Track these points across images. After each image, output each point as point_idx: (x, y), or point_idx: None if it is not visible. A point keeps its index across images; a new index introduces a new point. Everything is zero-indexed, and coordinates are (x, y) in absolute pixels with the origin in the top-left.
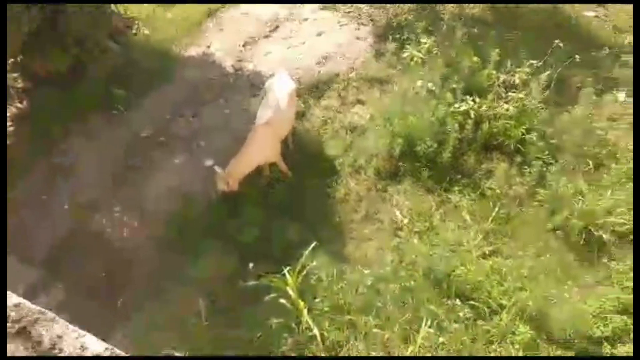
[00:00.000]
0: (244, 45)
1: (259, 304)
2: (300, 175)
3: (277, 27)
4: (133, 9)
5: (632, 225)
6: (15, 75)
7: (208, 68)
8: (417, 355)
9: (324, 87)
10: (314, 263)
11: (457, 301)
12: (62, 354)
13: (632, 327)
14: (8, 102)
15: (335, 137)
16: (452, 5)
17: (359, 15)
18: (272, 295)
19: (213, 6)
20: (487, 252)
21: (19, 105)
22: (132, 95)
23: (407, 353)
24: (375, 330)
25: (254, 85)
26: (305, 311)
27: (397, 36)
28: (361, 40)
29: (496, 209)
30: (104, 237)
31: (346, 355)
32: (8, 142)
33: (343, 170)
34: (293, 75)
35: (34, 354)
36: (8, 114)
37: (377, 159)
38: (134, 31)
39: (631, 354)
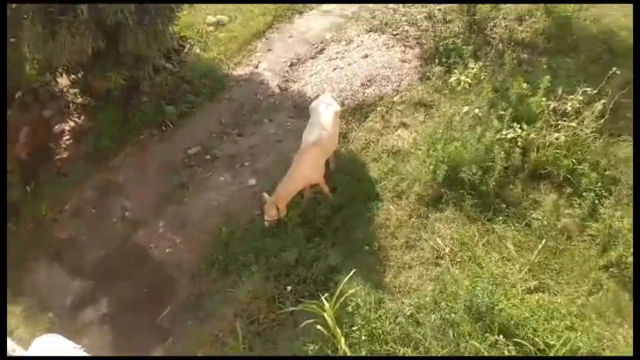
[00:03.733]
0: (290, 66)
1: (296, 329)
2: (341, 197)
3: (323, 48)
4: (186, 29)
5: None
6: (75, 91)
7: (255, 87)
8: None
9: (367, 110)
10: (353, 290)
11: (501, 337)
12: None
13: None
14: (67, 117)
15: (377, 160)
16: (501, 29)
17: (406, 37)
18: (310, 320)
19: (263, 27)
20: (532, 287)
21: (77, 120)
22: (182, 112)
23: None
24: None
25: (298, 105)
26: (342, 339)
27: (444, 60)
28: (407, 62)
29: (543, 242)
30: (149, 252)
31: None
32: (64, 155)
33: (384, 195)
34: (337, 97)
35: None
36: (67, 129)
37: (419, 185)
38: (186, 50)
39: None
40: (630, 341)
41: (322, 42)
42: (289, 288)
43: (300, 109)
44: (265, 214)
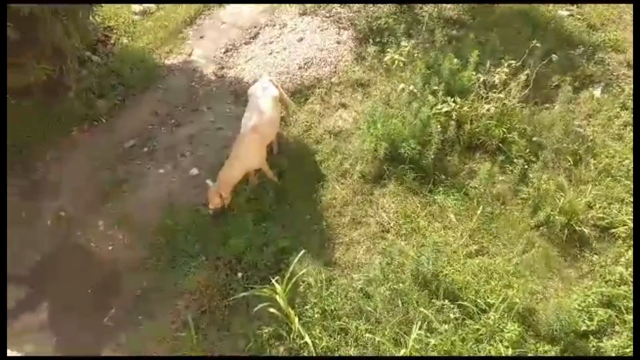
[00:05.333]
0: (225, 52)
1: (249, 314)
2: (287, 181)
3: (257, 33)
4: (111, 19)
5: (611, 219)
6: None
7: (190, 76)
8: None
9: (307, 92)
10: (303, 270)
11: (446, 302)
12: None
13: (616, 320)
14: None
15: (320, 141)
16: (431, 7)
17: (339, 19)
18: (262, 304)
19: (193, 13)
20: (473, 251)
21: None
22: (114, 105)
23: (401, 354)
24: (366, 334)
25: (236, 92)
26: (296, 319)
27: (378, 40)
28: (342, 44)
29: (480, 208)
30: (90, 252)
31: None
32: None
33: (329, 175)
34: (275, 81)
35: None
36: None
37: (362, 163)
38: (112, 41)
39: (617, 347)
40: (561, 293)
41: (255, 27)
42: (240, 275)
43: (239, 95)
44: (210, 203)
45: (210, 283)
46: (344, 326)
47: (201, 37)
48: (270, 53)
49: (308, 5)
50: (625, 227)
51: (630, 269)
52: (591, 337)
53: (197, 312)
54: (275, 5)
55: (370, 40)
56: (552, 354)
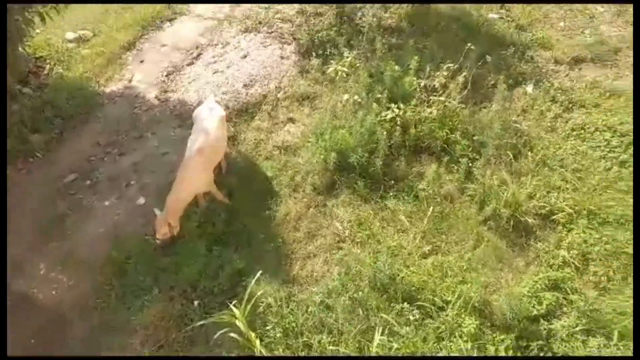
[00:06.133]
0: (167, 75)
1: (209, 343)
2: (238, 201)
3: (200, 54)
4: (43, 48)
5: (551, 207)
6: None
7: (132, 102)
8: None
9: (253, 109)
10: (261, 291)
11: (405, 304)
12: None
13: (563, 301)
14: None
15: (269, 157)
16: (370, 17)
17: (282, 34)
18: (222, 330)
19: (132, 37)
20: (427, 252)
21: None
22: (51, 139)
23: None
24: (329, 347)
25: (181, 115)
26: (257, 341)
27: (321, 52)
28: (286, 59)
29: (430, 209)
30: (32, 298)
31: None
32: None
33: (281, 191)
34: (221, 101)
35: None
36: None
37: (313, 175)
38: (46, 71)
39: (566, 327)
40: (512, 282)
41: (197, 48)
42: (196, 303)
43: (184, 118)
44: (157, 233)
45: (165, 315)
46: (307, 342)
47: (141, 62)
48: (214, 73)
49: (249, 23)
50: (564, 212)
51: (572, 252)
52: (542, 321)
53: (154, 347)
54: (216, 24)
55: (313, 53)
56: (508, 342)
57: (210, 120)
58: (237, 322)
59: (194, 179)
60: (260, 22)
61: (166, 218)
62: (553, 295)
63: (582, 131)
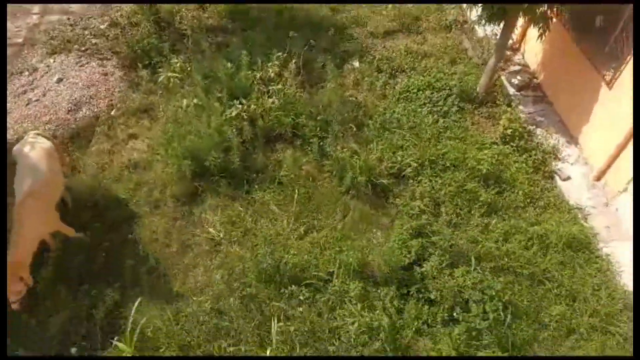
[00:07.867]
0: None
1: None
2: (95, 232)
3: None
4: None
5: (399, 165)
6: None
7: None
8: (277, 355)
9: (86, 133)
10: (145, 318)
11: (294, 287)
12: None
13: (427, 244)
14: None
15: (119, 179)
16: (189, 20)
17: (98, 50)
18: None
19: None
20: (302, 232)
21: None
22: None
23: (268, 354)
24: (230, 349)
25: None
26: None
27: (147, 62)
28: (110, 75)
29: (296, 192)
30: None
31: None
32: None
33: (141, 210)
34: (45, 132)
35: None
36: None
37: (171, 187)
38: None
39: (434, 267)
40: (382, 240)
41: None
42: (73, 350)
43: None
44: (10, 295)
45: None
46: (206, 351)
47: None
48: (28, 104)
49: (55, 44)
50: (410, 167)
51: (425, 200)
52: (415, 267)
53: None
54: (17, 50)
55: (139, 65)
56: (391, 293)
57: (34, 156)
58: (126, 355)
59: (33, 225)
60: (69, 41)
61: (14, 274)
62: (418, 242)
63: (408, 93)
